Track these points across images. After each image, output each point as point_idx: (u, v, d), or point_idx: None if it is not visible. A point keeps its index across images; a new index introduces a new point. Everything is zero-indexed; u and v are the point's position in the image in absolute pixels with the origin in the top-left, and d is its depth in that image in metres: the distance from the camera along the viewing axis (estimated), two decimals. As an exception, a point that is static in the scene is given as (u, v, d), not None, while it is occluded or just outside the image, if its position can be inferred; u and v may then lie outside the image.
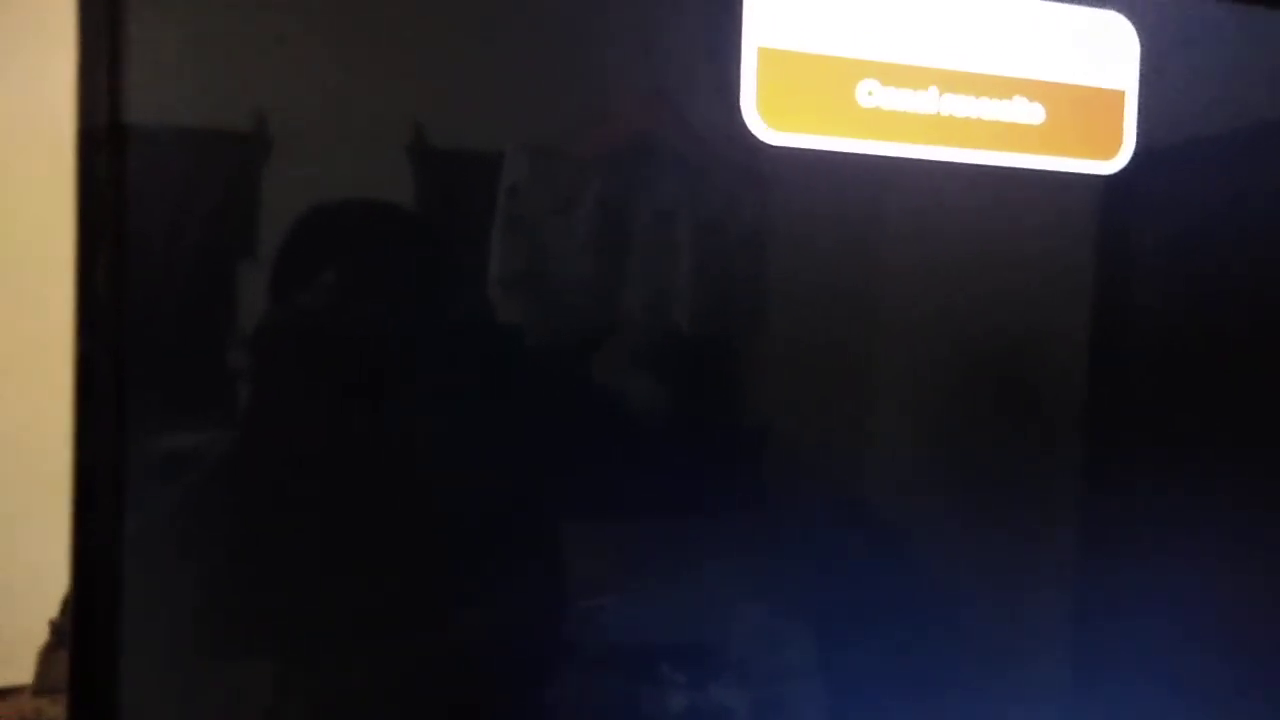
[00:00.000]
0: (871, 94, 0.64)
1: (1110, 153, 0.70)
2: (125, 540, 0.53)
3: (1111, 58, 0.70)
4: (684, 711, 0.64)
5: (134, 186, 0.53)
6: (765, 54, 0.62)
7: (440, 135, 0.58)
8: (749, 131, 0.62)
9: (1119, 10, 0.70)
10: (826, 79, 0.63)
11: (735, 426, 0.67)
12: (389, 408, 0.59)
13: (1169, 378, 0.77)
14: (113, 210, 0.52)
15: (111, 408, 0.53)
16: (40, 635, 1.22)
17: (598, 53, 0.62)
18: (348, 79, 0.56)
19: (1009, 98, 0.67)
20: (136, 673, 0.54)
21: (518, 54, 0.60)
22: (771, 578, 0.68)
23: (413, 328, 0.59)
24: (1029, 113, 0.67)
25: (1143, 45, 0.70)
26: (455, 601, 0.61)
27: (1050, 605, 0.76)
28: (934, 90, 0.65)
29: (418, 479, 0.61)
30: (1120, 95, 0.70)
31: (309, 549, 0.58)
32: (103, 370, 0.53)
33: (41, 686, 1.21)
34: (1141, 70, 0.70)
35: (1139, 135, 0.70)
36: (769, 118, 0.62)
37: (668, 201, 0.63)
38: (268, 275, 0.56)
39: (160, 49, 0.53)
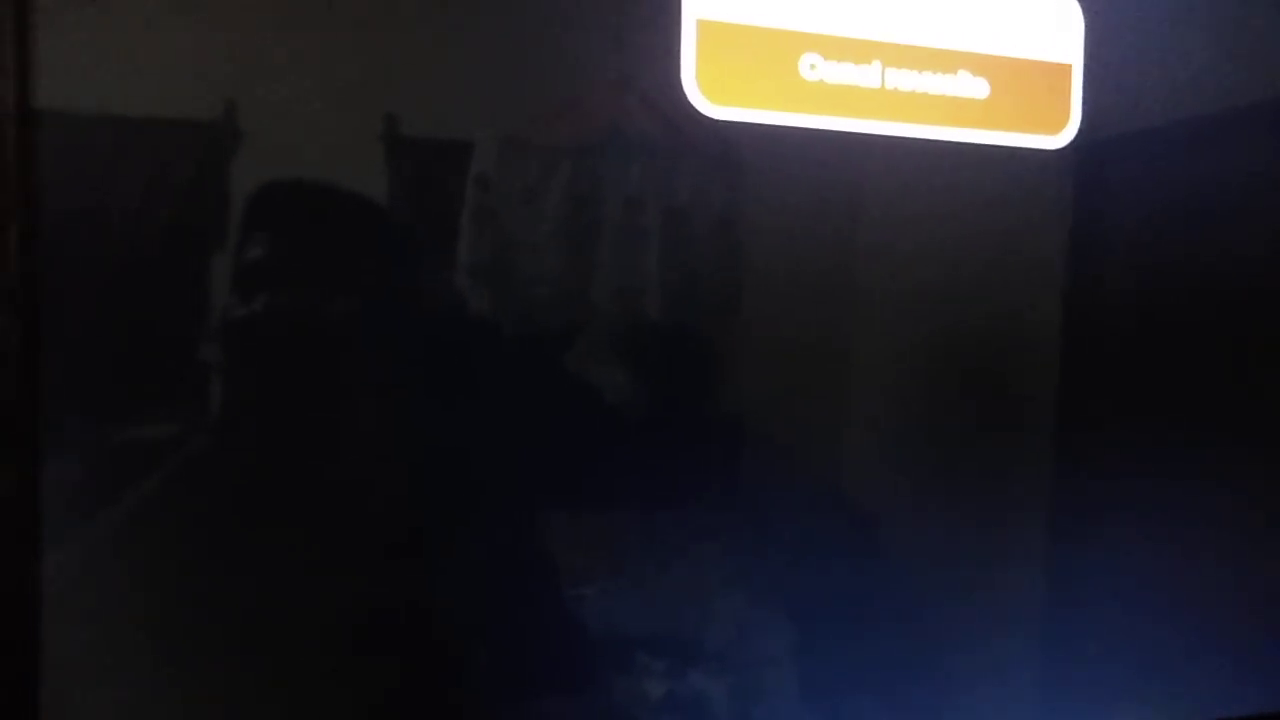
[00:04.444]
0: (814, 68, 0.63)
1: (1057, 127, 0.70)
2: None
3: (1057, 31, 0.69)
4: (663, 698, 0.65)
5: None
6: (705, 26, 0.61)
7: (410, 125, 0.57)
8: (690, 106, 0.61)
9: (1063, -17, 0.69)
10: (768, 52, 0.62)
11: (710, 413, 0.67)
12: (359, 399, 0.59)
13: (1130, 351, 0.77)
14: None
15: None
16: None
17: (552, 35, 0.61)
18: (317, 68, 0.56)
19: (953, 72, 0.66)
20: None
21: (479, 42, 0.59)
22: (749, 566, 0.68)
23: (385, 318, 0.59)
24: (973, 87, 0.67)
25: (1087, 18, 0.69)
26: (437, 593, 0.61)
27: (1024, 589, 0.76)
28: (878, 64, 0.65)
29: (392, 472, 0.60)
30: (1067, 69, 0.70)
31: (285, 543, 0.57)
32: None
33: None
34: (1087, 44, 0.70)
35: (1085, 109, 0.70)
36: (709, 92, 0.61)
37: (620, 183, 0.63)
38: (234, 265, 0.55)
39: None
